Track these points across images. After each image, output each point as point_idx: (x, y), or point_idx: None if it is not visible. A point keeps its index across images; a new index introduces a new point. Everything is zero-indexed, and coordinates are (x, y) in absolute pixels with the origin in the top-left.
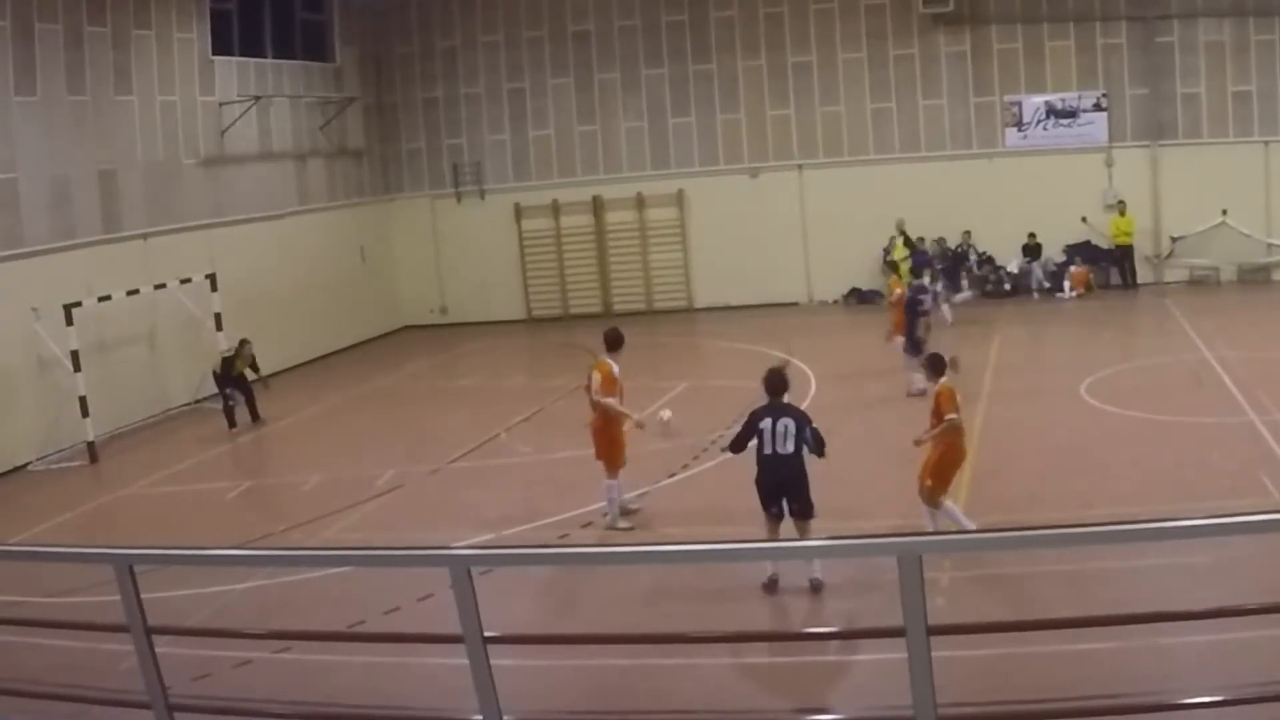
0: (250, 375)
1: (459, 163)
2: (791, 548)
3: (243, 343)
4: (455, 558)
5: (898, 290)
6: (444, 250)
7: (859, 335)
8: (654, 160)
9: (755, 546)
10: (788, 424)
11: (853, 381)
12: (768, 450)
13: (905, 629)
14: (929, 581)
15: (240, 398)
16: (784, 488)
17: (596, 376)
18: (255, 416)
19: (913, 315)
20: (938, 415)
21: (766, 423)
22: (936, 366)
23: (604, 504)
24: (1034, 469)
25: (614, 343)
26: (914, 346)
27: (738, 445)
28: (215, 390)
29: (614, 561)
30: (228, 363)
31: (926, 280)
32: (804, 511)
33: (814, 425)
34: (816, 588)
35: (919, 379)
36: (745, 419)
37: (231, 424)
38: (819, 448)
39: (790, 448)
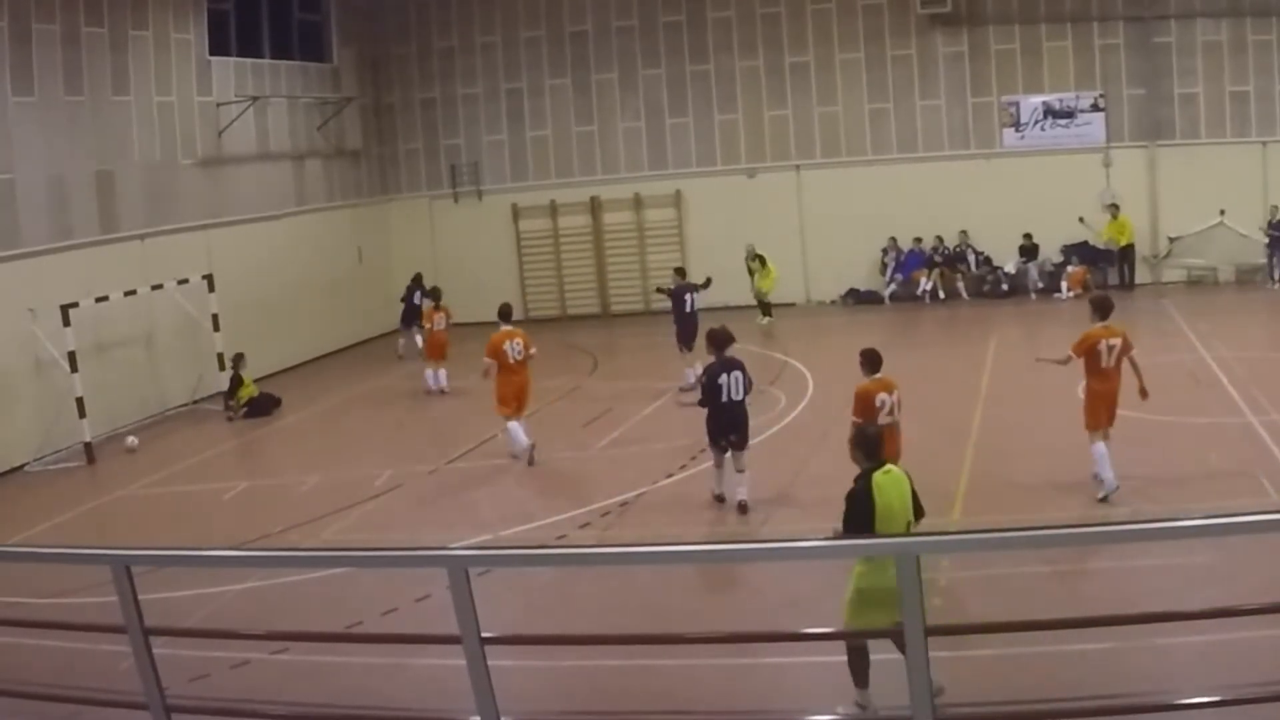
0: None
1: (456, 163)
2: (791, 549)
3: (238, 357)
4: (453, 558)
5: (441, 320)
6: (441, 251)
7: (857, 336)
8: (651, 161)
9: (755, 547)
10: (738, 376)
11: (851, 383)
12: (724, 399)
13: (903, 629)
14: (926, 582)
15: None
16: (736, 427)
17: (521, 340)
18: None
19: (680, 312)
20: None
21: (724, 378)
22: (868, 361)
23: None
24: (1031, 469)
25: (507, 315)
26: (685, 342)
27: (708, 400)
28: (215, 392)
29: (612, 562)
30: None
31: (924, 280)
32: (743, 444)
33: (745, 371)
34: (743, 509)
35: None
36: (707, 376)
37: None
38: (749, 391)
39: (740, 394)
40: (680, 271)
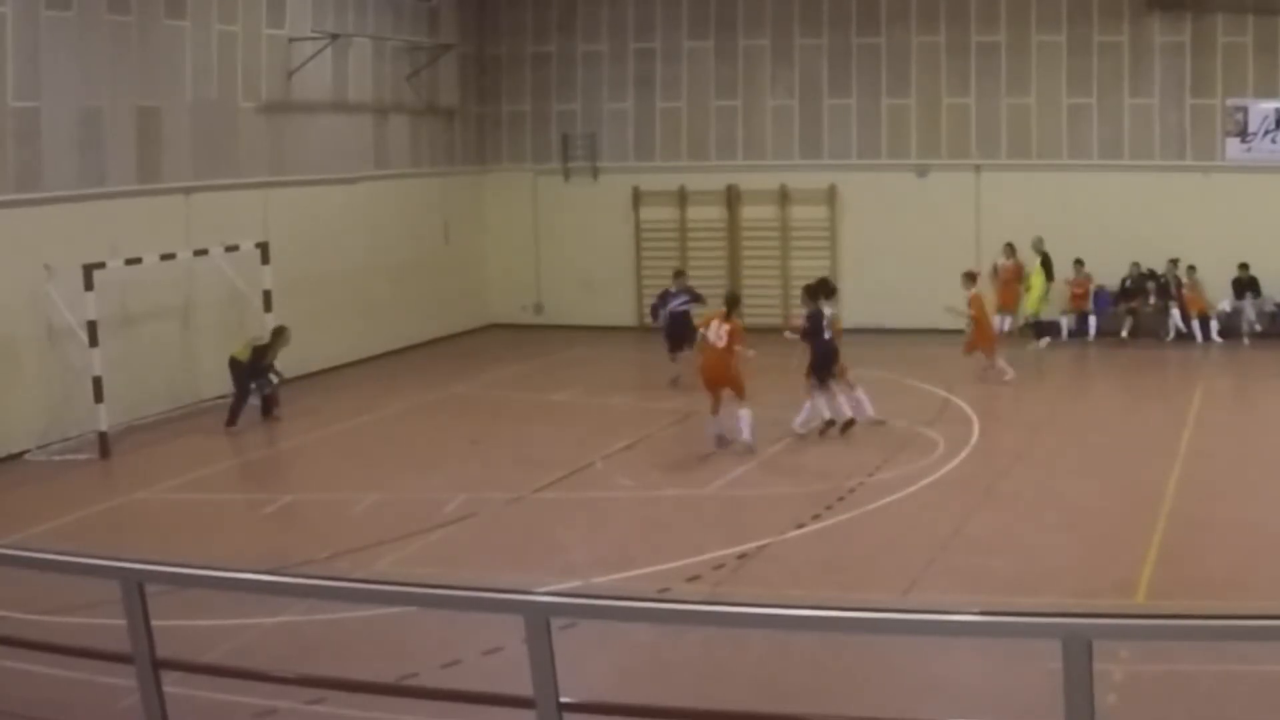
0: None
1: (570, 133)
2: (939, 623)
3: (280, 331)
4: (532, 605)
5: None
6: (544, 236)
7: (1033, 373)
8: (803, 148)
9: (895, 618)
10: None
11: (1023, 425)
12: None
13: None
14: (1099, 674)
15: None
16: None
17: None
18: (269, 411)
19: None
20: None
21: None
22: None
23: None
24: (1237, 547)
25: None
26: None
27: None
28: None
29: (724, 624)
30: (259, 352)
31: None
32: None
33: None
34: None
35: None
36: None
37: (233, 421)
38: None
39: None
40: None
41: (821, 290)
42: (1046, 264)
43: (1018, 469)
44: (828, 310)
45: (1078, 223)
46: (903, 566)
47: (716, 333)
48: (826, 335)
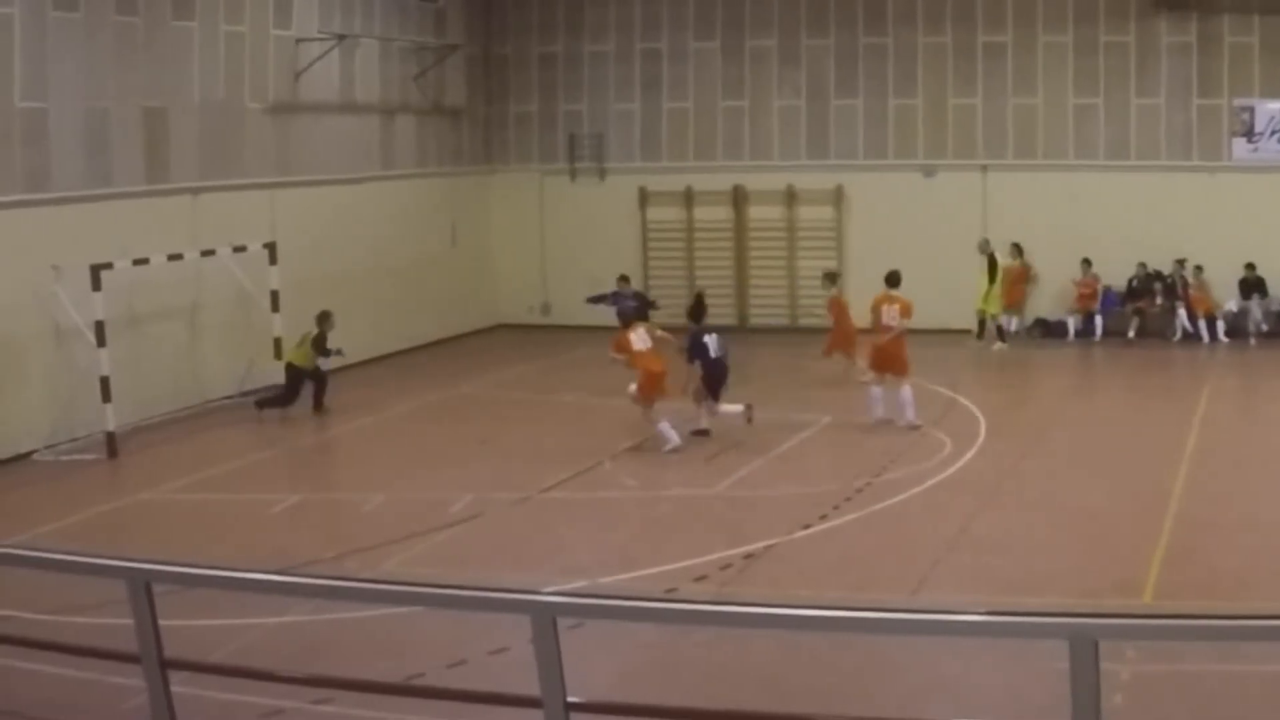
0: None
1: (577, 133)
2: (946, 623)
3: (325, 316)
4: (539, 605)
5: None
6: (551, 237)
7: (1038, 374)
8: (810, 148)
9: (901, 618)
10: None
11: (1029, 425)
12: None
13: None
14: (1106, 674)
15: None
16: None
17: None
18: (319, 405)
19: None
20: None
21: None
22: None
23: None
24: (1243, 547)
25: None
26: None
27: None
28: (268, 384)
29: (731, 624)
30: (317, 345)
31: None
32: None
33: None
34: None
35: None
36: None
37: (263, 407)
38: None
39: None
40: (624, 279)
41: (694, 312)
42: (992, 266)
43: (1025, 469)
44: (710, 337)
45: (1084, 223)
46: (910, 566)
47: (645, 338)
48: (714, 355)
